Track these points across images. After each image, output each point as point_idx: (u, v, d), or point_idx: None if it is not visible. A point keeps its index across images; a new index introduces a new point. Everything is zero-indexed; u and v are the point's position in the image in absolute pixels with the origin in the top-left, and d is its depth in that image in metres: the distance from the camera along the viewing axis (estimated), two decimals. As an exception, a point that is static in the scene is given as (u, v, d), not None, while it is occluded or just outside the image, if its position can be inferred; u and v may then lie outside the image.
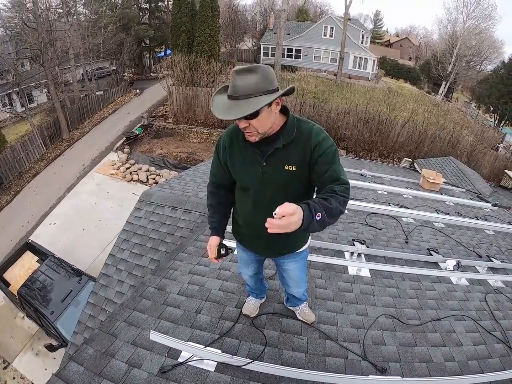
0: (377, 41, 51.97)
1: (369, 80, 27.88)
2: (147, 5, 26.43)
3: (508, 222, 5.87)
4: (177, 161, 13.65)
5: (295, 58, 28.73)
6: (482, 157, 14.84)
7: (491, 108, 27.82)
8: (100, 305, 3.68)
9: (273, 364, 1.85)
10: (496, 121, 27.39)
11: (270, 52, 28.50)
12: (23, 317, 7.21)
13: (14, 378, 6.25)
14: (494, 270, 3.67)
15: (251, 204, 1.57)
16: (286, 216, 1.07)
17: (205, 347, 1.92)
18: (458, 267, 3.47)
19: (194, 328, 2.11)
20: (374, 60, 28.82)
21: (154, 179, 12.58)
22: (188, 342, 1.96)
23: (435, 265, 3.46)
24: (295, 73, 24.76)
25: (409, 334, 2.37)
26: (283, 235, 1.13)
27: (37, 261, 7.29)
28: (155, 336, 1.98)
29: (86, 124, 17.34)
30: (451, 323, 2.62)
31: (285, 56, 27.47)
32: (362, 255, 3.27)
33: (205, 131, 15.69)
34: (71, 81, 19.07)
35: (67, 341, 4.84)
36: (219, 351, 1.92)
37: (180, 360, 1.90)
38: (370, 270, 3.05)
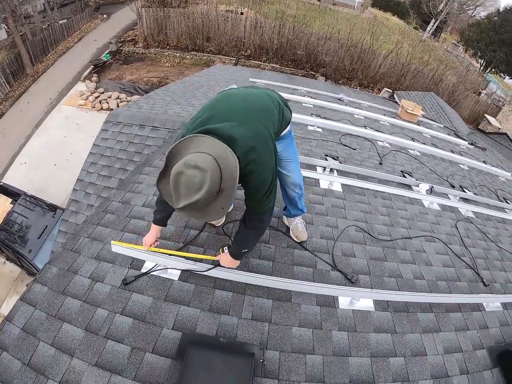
0: (367, -32, 48.07)
1: (354, 9, 26.77)
2: None
3: (483, 161, 6.02)
4: (149, 86, 13.24)
5: None
6: (463, 99, 14.95)
7: (479, 53, 27.39)
8: (71, 231, 3.64)
9: (238, 270, 1.83)
10: (482, 67, 27.17)
11: None
12: (4, 262, 7.16)
13: (4, 324, 6.36)
14: (465, 200, 3.76)
15: None
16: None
17: (169, 255, 1.86)
18: (431, 192, 3.53)
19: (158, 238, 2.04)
20: None
21: None
22: (151, 250, 1.88)
23: (408, 187, 3.49)
24: None
25: (379, 249, 2.41)
26: None
27: (11, 203, 7.11)
28: (116, 247, 1.90)
29: (51, 56, 16.20)
30: (421, 243, 2.68)
31: None
32: (335, 171, 3.24)
33: (177, 55, 15.18)
34: (32, 13, 17.32)
35: None
36: (183, 258, 1.86)
37: (143, 270, 1.85)
38: (342, 185, 3.04)
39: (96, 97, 12.60)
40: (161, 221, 1.81)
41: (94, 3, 22.54)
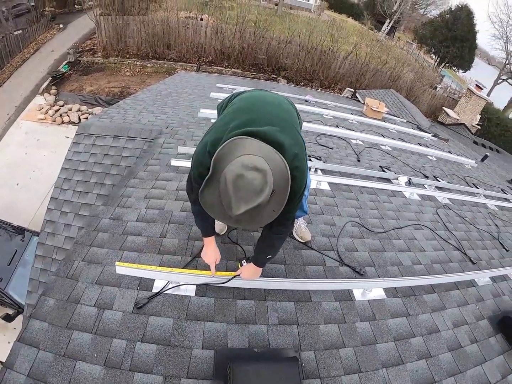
0: (321, -28, 51.59)
1: (311, 12, 28.52)
2: None
3: (448, 151, 6.64)
4: (110, 97, 13.26)
5: None
6: (421, 94, 16.39)
7: (433, 50, 30.17)
8: (50, 255, 3.52)
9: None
10: (436, 63, 29.82)
11: None
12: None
13: (-23, 361, 5.82)
14: (440, 189, 4.16)
15: None
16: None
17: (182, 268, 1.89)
18: (409, 183, 3.88)
19: (162, 254, 2.04)
20: None
21: (86, 118, 12.14)
22: (164, 268, 1.90)
23: (388, 181, 3.80)
24: (234, 0, 24.11)
25: (376, 241, 2.63)
26: None
27: (-29, 229, 6.79)
28: (121, 269, 1.86)
29: (6, 69, 15.61)
30: (411, 232, 2.97)
31: None
32: (319, 170, 3.44)
33: (138, 63, 15.27)
34: (-16, 24, 16.46)
35: (23, 306, 4.70)
36: (196, 272, 1.90)
37: (154, 290, 1.83)
38: (329, 183, 3.26)
39: (56, 111, 12.46)
40: (211, 230, 1.80)
41: (49, 12, 22.07)
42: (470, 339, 2.08)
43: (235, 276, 1.88)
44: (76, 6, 23.77)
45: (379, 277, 2.24)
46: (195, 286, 1.88)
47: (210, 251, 1.81)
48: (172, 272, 1.88)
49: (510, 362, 2.08)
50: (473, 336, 2.12)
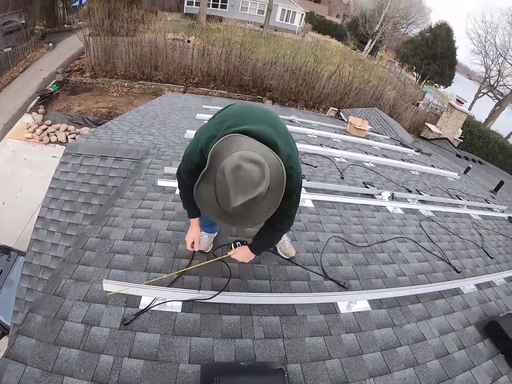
0: (306, -5, 54.74)
1: (295, 33, 29.76)
2: None
3: (431, 165, 6.91)
4: (98, 117, 13.46)
5: (221, 8, 29.41)
6: (403, 110, 17.05)
7: (414, 68, 31.88)
8: (37, 274, 3.54)
9: (241, 292, 1.97)
10: (418, 80, 31.40)
11: (194, 1, 28.46)
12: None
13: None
14: (423, 202, 4.33)
15: None
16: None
17: (167, 286, 1.95)
18: (393, 198, 4.04)
19: (149, 271, 2.10)
20: (302, 14, 30.94)
21: (74, 138, 12.35)
22: (148, 286, 1.94)
23: (371, 196, 3.95)
24: (221, 23, 25.41)
25: (360, 255, 2.74)
26: None
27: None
28: (108, 286, 1.91)
29: None
30: (395, 244, 3.09)
31: (211, 5, 28.23)
32: (303, 188, 3.55)
33: (125, 84, 15.58)
34: (-26, 41, 16.76)
35: (9, 327, 4.65)
36: (183, 289, 1.95)
37: (141, 307, 1.89)
38: (313, 200, 3.38)
39: (44, 130, 12.57)
40: (196, 212, 1.94)
41: (39, 31, 22.42)
42: (457, 346, 2.17)
43: (222, 259, 2.08)
44: (66, 25, 24.32)
45: (364, 290, 2.33)
46: (181, 302, 1.94)
47: (192, 231, 2.02)
48: (159, 289, 1.93)
49: (499, 366, 2.16)
50: (460, 343, 2.20)
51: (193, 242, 2.05)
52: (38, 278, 3.51)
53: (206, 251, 2.32)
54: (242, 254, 1.97)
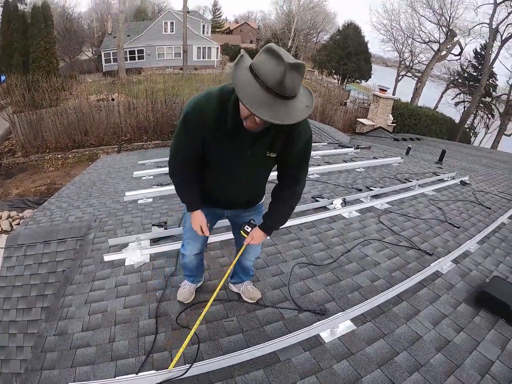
0: (218, 30, 60.45)
1: (215, 67, 32.61)
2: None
3: (374, 157, 7.33)
4: (38, 196, 13.22)
5: (138, 59, 31.07)
6: (333, 113, 18.23)
7: (333, 71, 34.93)
8: None
9: (216, 357, 1.86)
10: (339, 81, 34.25)
11: (112, 57, 29.95)
12: None
13: None
14: (376, 196, 4.54)
15: (227, 181, 1.81)
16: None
17: (136, 374, 1.81)
18: (345, 203, 4.18)
19: (115, 360, 1.97)
20: (218, 48, 33.81)
21: (19, 224, 11.74)
22: (116, 378, 1.81)
23: (324, 208, 4.06)
24: (141, 74, 26.56)
25: (329, 273, 2.76)
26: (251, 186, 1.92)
27: None
28: None
29: None
30: (360, 250, 3.16)
31: (128, 59, 29.45)
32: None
33: (59, 156, 15.57)
34: None
35: None
36: (153, 371, 1.83)
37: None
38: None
39: None
40: (198, 202, 1.89)
41: None
42: (455, 330, 2.20)
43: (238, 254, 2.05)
44: (-16, 108, 23.83)
45: (342, 310, 2.30)
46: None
47: (195, 218, 1.91)
48: (128, 379, 1.79)
49: (503, 332, 2.21)
50: (457, 325, 2.24)
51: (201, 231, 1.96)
52: (6, 388, 3.19)
53: (186, 302, 2.30)
54: (259, 236, 1.93)
